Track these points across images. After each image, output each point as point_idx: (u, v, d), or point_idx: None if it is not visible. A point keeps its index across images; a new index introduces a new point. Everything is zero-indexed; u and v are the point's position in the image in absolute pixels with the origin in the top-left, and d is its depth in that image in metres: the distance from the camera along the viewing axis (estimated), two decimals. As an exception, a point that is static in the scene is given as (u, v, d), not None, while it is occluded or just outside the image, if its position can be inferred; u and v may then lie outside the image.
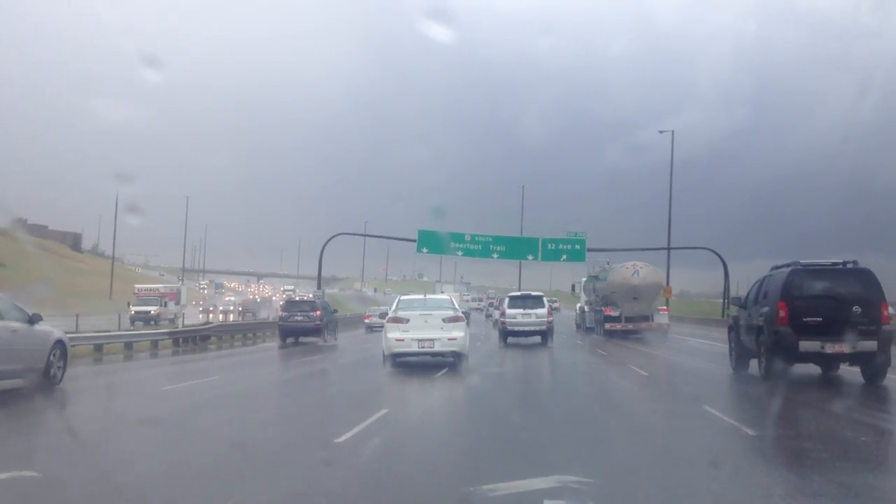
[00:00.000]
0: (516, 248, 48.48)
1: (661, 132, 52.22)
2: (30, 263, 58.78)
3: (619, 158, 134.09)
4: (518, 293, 32.02)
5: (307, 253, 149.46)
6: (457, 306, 19.02)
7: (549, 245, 47.69)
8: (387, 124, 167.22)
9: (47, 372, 13.78)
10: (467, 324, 19.25)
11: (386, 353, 17.73)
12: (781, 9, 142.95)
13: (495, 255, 47.64)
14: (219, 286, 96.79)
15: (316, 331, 31.01)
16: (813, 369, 15.16)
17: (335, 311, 35.83)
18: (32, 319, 13.70)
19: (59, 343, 14.28)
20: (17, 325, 13.13)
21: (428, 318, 17.66)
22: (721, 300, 48.45)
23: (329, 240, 49.33)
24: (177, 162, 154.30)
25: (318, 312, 30.96)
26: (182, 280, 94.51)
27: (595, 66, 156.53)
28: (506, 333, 28.21)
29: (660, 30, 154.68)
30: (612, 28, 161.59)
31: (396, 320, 17.71)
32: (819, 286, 14.10)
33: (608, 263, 36.87)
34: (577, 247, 47.42)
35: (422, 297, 20.64)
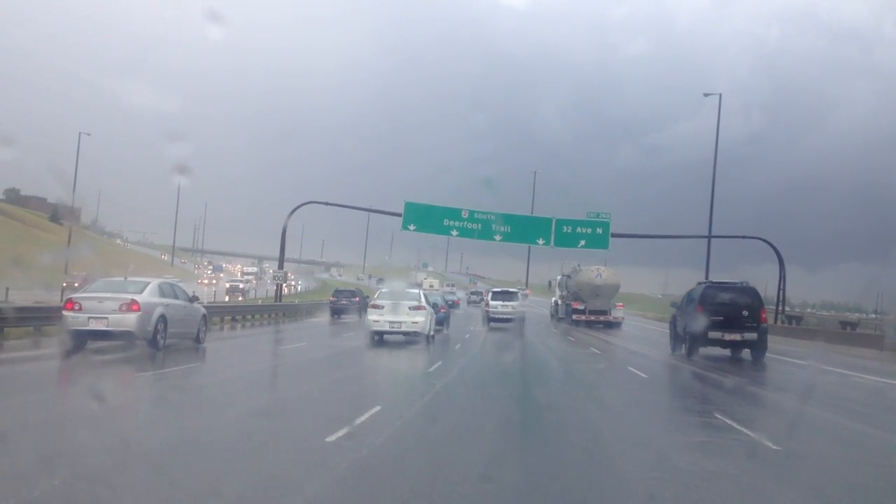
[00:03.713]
0: (525, 229, 40.59)
1: (706, 95, 44.12)
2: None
3: (638, 156, 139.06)
4: (499, 289, 41.92)
5: (311, 237, 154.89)
6: (422, 299, 23.65)
7: (565, 227, 40.07)
8: (402, 112, 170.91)
9: (197, 336, 20.04)
10: (434, 312, 25.28)
11: (367, 329, 23.04)
12: (803, 15, 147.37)
13: (498, 238, 40.15)
14: (217, 268, 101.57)
15: (355, 310, 39.03)
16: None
17: (367, 296, 42.98)
18: (192, 299, 20.00)
19: (204, 316, 20.57)
20: (184, 303, 19.40)
21: (398, 306, 22.67)
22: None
23: (295, 209, 42.23)
24: (198, 145, 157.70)
25: (357, 299, 38.71)
26: (171, 258, 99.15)
27: (613, 66, 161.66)
28: (489, 319, 37.03)
29: (679, 33, 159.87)
30: (631, 28, 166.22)
31: (375, 306, 23.14)
32: (723, 297, 21.19)
33: (578, 265, 43.83)
34: (600, 230, 40.10)
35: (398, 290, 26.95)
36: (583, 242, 40.40)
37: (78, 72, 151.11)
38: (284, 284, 74.67)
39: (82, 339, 17.06)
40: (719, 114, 42.32)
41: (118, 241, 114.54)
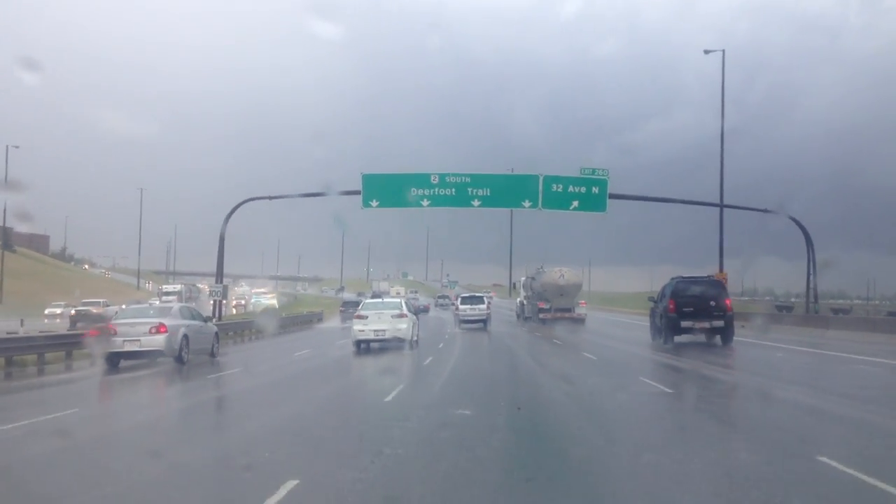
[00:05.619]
0: (507, 190, 36.03)
1: (706, 52, 39.25)
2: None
3: (615, 155, 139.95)
4: (467, 294, 45.31)
5: (289, 255, 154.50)
6: (404, 307, 24.80)
7: (555, 186, 35.48)
8: (376, 122, 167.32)
9: (212, 351, 21.39)
10: (416, 319, 26.27)
11: (352, 338, 23.60)
12: (770, 6, 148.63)
13: (476, 203, 35.78)
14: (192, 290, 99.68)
15: None
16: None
17: None
18: (206, 320, 21.44)
19: (216, 334, 21.97)
20: (201, 323, 20.80)
21: (381, 315, 23.65)
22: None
23: (234, 210, 37.20)
24: (177, 168, 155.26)
25: None
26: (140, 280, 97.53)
27: (584, 67, 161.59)
28: (460, 321, 40.26)
29: (647, 31, 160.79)
30: (600, 28, 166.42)
31: (360, 316, 23.85)
32: (692, 289, 23.43)
33: (542, 267, 45.99)
34: (595, 190, 35.47)
35: (380, 300, 28.99)
36: (575, 203, 35.59)
37: (56, 98, 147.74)
38: (236, 302, 73.66)
39: (117, 359, 18.45)
40: (723, 71, 38.13)
41: (85, 266, 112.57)
